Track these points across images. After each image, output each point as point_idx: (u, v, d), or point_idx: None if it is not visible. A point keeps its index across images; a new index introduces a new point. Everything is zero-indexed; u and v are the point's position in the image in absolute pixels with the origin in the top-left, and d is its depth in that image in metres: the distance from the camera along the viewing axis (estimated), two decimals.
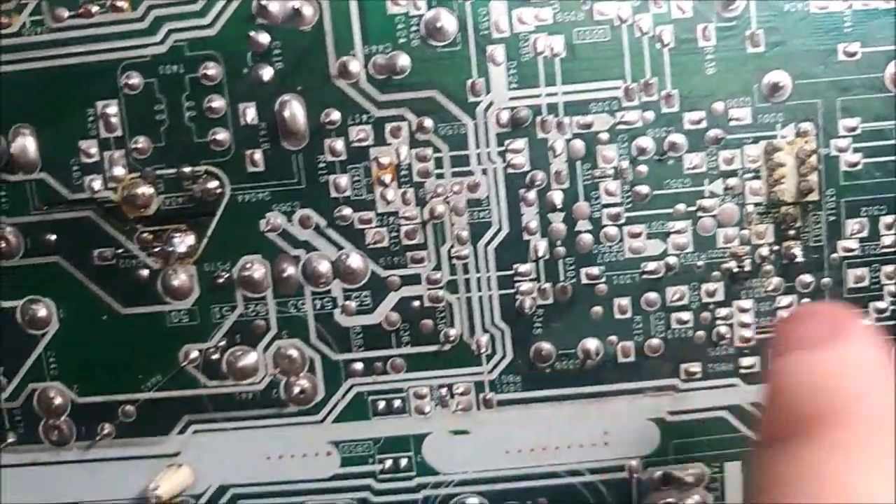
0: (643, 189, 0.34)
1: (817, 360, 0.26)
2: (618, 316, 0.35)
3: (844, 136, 0.33)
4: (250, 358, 0.35)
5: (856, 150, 0.33)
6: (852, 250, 0.34)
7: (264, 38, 0.33)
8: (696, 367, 0.35)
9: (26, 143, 0.34)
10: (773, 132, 0.33)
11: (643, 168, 0.34)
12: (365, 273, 0.35)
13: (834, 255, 0.34)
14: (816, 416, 0.25)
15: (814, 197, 0.33)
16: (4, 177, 0.34)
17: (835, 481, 0.23)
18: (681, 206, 0.34)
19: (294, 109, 0.33)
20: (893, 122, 0.33)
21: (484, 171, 0.34)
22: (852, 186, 0.34)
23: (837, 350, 0.26)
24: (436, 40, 0.33)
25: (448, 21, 0.33)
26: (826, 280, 0.34)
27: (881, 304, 0.34)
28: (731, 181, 0.34)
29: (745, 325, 0.35)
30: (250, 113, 0.33)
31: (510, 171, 0.34)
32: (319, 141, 0.34)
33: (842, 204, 0.34)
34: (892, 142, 0.33)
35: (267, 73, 0.33)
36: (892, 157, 0.33)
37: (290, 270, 0.35)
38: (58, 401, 0.36)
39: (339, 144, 0.34)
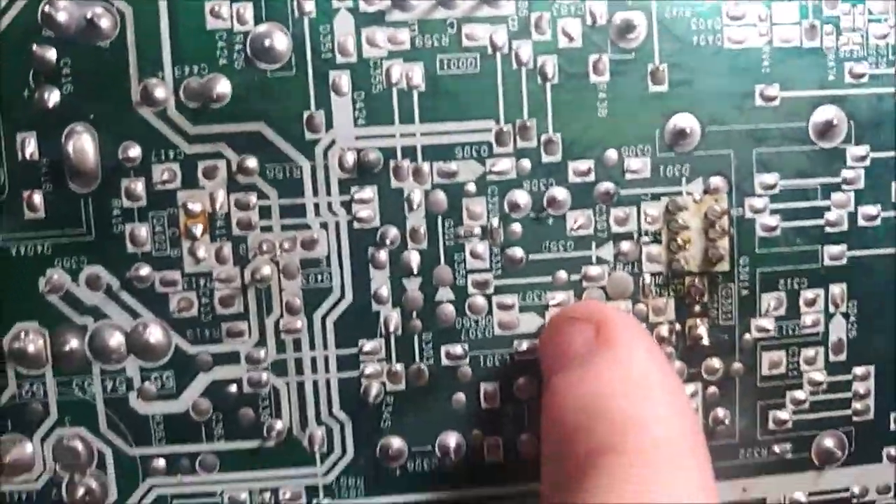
0: (516, 252, 0.29)
1: (584, 380, 0.26)
2: (484, 405, 0.30)
3: (761, 195, 0.30)
4: (24, 450, 0.29)
5: (773, 212, 0.30)
6: (768, 330, 0.30)
7: (50, 53, 0.28)
8: None
9: None
10: (678, 188, 0.30)
11: (517, 227, 0.29)
12: (167, 349, 0.29)
13: (747, 336, 0.31)
14: (589, 452, 0.24)
15: (724, 267, 0.30)
16: None
17: None
18: (562, 274, 0.30)
19: (84, 143, 0.28)
20: (817, 180, 0.30)
21: (323, 225, 0.29)
22: (769, 255, 0.30)
23: (605, 362, 0.26)
24: (265, 63, 0.28)
25: (280, 40, 0.28)
26: (737, 366, 0.31)
27: (800, 395, 0.31)
28: (625, 245, 0.30)
29: None
30: (30, 145, 0.28)
31: (356, 225, 0.29)
32: (115, 182, 0.28)
33: (757, 275, 0.30)
34: (816, 202, 0.30)
35: (53, 97, 0.28)
36: (816, 221, 0.30)
37: (75, 343, 0.29)
38: None
39: (139, 186, 0.28)
